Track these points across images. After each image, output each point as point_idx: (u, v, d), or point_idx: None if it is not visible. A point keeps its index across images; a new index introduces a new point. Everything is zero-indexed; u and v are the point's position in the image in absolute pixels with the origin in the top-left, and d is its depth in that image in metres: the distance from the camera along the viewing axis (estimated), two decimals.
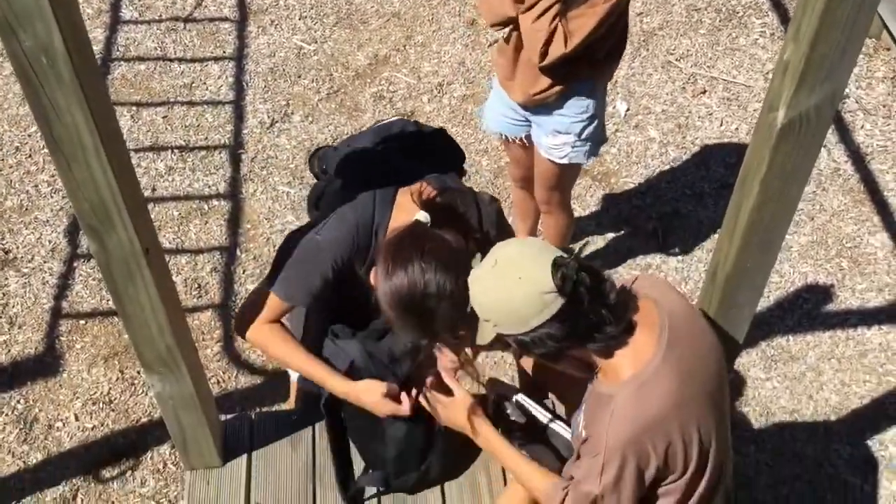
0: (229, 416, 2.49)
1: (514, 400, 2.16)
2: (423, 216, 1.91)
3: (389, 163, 2.20)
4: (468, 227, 1.99)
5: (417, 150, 2.26)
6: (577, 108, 2.73)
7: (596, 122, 2.79)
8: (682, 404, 1.70)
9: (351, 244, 2.01)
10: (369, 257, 2.03)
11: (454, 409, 2.01)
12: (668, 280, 3.52)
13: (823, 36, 1.47)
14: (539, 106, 2.74)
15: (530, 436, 2.09)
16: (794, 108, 1.57)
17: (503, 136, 2.99)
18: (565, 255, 1.66)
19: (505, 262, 1.68)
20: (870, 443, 3.10)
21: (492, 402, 2.12)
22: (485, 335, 1.73)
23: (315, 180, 2.40)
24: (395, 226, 1.97)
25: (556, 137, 2.79)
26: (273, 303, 2.09)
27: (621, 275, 3.48)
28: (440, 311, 1.76)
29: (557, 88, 2.66)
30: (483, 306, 1.71)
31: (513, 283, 1.64)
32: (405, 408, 2.07)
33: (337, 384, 2.12)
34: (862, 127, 4.07)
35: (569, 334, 1.66)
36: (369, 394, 2.08)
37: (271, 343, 2.13)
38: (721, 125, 4.09)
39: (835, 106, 1.61)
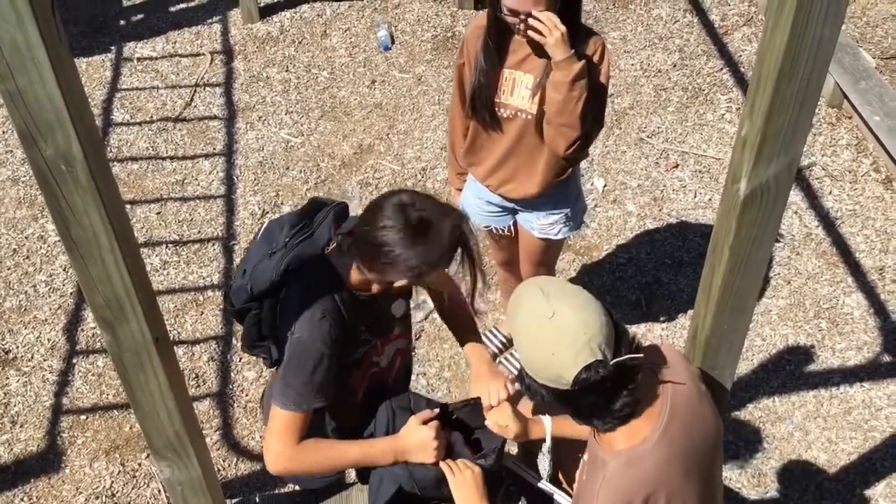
0: (234, 501, 2.55)
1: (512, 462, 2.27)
2: None
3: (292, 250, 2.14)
4: None
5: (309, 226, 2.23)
6: (565, 192, 2.88)
7: (580, 196, 2.96)
8: (668, 483, 1.78)
9: (330, 322, 2.01)
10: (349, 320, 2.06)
11: (465, 486, 2.08)
12: None
13: (776, 113, 1.61)
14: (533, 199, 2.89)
15: None
16: (755, 179, 1.70)
17: (493, 229, 3.11)
18: (603, 360, 1.67)
19: (559, 325, 1.68)
20: (860, 499, 3.16)
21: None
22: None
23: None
24: (355, 276, 2.04)
25: (548, 218, 2.93)
26: (287, 418, 2.03)
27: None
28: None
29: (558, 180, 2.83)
30: (516, 333, 1.77)
31: (545, 347, 1.69)
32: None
33: (380, 454, 2.13)
34: (830, 192, 4.24)
35: (563, 407, 1.76)
36: (416, 436, 2.12)
37: (301, 459, 2.08)
38: (695, 197, 4.25)
39: (792, 174, 1.74)
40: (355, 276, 2.05)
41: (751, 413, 3.41)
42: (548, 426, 2.21)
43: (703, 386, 1.95)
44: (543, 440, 2.22)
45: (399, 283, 1.98)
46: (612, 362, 1.67)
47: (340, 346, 2.05)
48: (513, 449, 2.58)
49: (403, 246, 1.90)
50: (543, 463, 2.22)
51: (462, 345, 2.42)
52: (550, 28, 2.43)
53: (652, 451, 1.76)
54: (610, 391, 1.71)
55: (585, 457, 1.93)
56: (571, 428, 2.07)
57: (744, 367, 3.54)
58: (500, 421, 2.19)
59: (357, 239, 1.98)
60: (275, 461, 2.08)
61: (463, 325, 2.46)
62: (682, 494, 1.80)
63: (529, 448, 2.35)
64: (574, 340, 1.66)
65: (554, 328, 1.68)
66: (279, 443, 2.05)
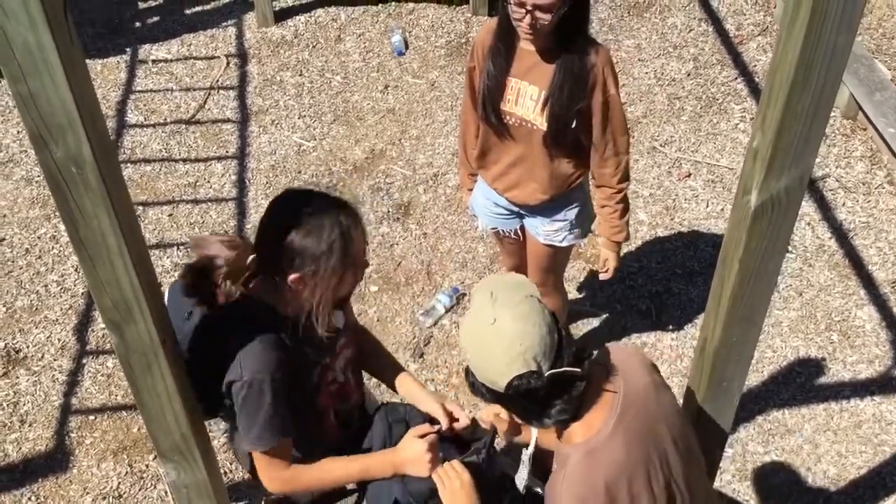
0: None
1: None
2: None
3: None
4: None
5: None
6: (570, 199, 2.88)
7: (587, 204, 2.94)
8: (629, 471, 1.80)
9: (274, 353, 2.02)
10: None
11: (455, 494, 2.09)
12: (650, 354, 3.61)
13: (787, 126, 1.60)
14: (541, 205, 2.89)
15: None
16: (766, 191, 1.69)
17: (499, 231, 3.11)
18: (537, 371, 1.71)
19: (498, 332, 1.73)
20: None
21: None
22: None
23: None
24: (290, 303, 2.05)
25: (553, 224, 2.92)
26: (268, 455, 2.11)
27: None
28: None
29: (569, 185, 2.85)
30: (462, 332, 1.85)
31: (482, 351, 1.76)
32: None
33: (379, 467, 2.17)
34: (843, 204, 4.22)
35: (503, 406, 1.83)
36: (411, 450, 2.15)
37: (299, 480, 2.16)
38: (707, 206, 4.23)
39: (804, 186, 1.73)
40: (291, 302, 2.04)
41: (760, 425, 3.39)
42: (534, 431, 2.20)
43: (659, 377, 1.98)
44: (526, 446, 2.21)
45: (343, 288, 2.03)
46: (546, 374, 1.71)
47: (292, 375, 2.05)
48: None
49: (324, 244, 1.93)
50: (522, 472, 2.21)
51: (392, 386, 2.43)
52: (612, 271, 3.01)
53: (608, 440, 1.79)
54: (544, 399, 1.76)
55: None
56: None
57: (754, 378, 3.52)
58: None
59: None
60: (271, 485, 2.16)
61: (388, 365, 2.48)
62: (645, 487, 1.81)
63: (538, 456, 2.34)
64: (509, 350, 1.71)
65: (494, 335, 1.73)
66: (270, 472, 2.14)
